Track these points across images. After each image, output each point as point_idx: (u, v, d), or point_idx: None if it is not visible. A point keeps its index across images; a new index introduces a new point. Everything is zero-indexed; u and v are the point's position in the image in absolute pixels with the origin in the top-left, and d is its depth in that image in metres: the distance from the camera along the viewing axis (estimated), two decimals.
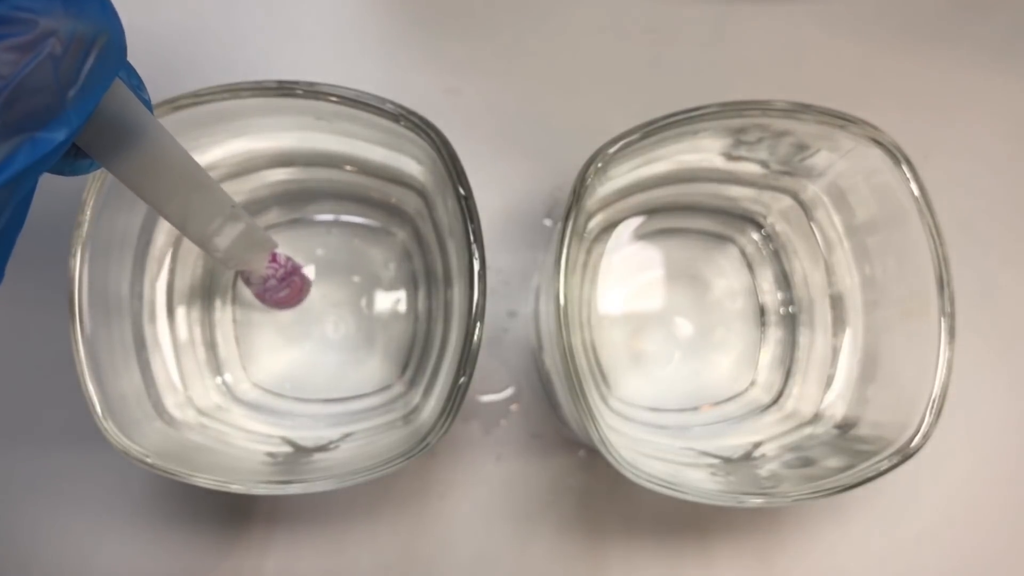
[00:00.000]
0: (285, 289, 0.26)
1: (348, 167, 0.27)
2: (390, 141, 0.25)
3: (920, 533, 0.29)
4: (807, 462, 0.25)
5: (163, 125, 0.18)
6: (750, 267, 0.29)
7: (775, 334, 0.29)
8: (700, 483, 0.24)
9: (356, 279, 0.29)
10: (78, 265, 0.23)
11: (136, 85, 0.17)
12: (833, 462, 0.24)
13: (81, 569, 0.28)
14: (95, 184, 0.23)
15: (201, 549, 0.28)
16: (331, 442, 0.26)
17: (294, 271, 0.26)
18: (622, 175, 0.26)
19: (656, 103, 0.25)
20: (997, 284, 0.30)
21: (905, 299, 0.25)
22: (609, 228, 0.29)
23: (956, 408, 0.26)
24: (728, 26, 0.31)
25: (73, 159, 0.17)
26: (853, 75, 0.31)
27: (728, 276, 0.29)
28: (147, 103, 0.17)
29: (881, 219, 0.25)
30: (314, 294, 0.28)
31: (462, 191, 0.23)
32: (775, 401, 0.28)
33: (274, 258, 0.25)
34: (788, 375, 0.28)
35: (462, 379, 0.22)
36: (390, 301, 0.29)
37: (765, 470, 0.25)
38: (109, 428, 0.23)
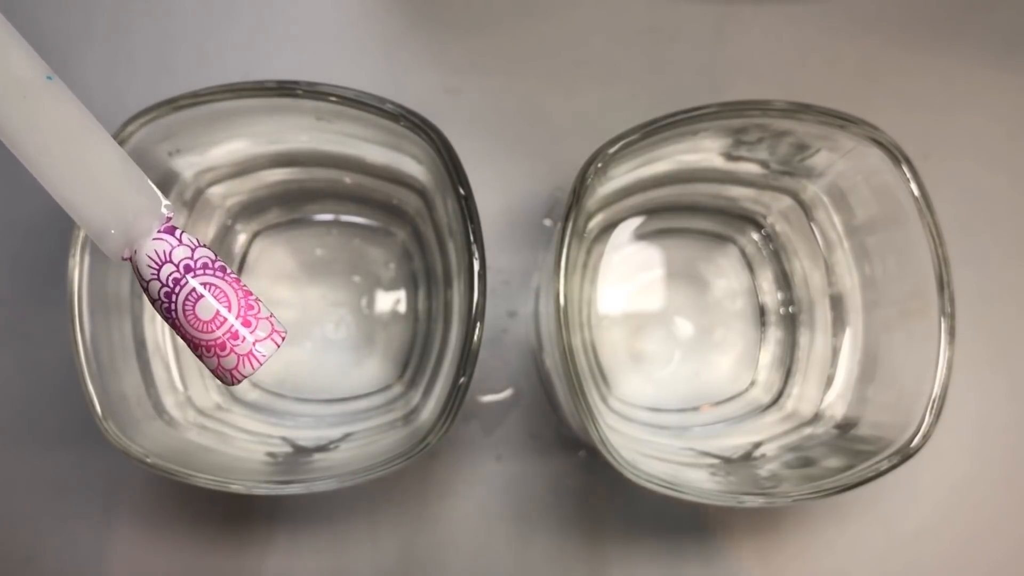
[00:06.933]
0: (208, 301, 0.15)
1: (348, 167, 0.27)
2: (390, 141, 0.25)
3: (920, 533, 0.29)
4: (807, 462, 0.25)
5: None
6: (750, 267, 0.29)
7: (775, 334, 0.29)
8: (700, 483, 0.24)
9: (356, 279, 0.29)
10: (78, 265, 0.23)
11: None
12: (833, 462, 0.24)
13: (81, 569, 0.28)
14: None
15: (201, 549, 0.28)
16: (331, 442, 0.26)
17: (221, 274, 0.16)
18: (622, 175, 0.26)
19: (656, 103, 0.25)
20: (997, 284, 0.30)
21: (905, 299, 0.25)
22: (609, 228, 0.29)
23: (956, 408, 0.26)
24: (728, 26, 0.31)
25: None
26: (853, 75, 0.31)
27: (728, 276, 0.29)
28: None
29: (881, 219, 0.25)
30: (314, 294, 0.28)
31: (462, 191, 0.23)
32: (775, 401, 0.28)
33: (170, 229, 0.16)
34: (788, 375, 0.28)
35: (462, 379, 0.22)
36: (390, 301, 0.29)
37: (765, 470, 0.25)
38: (109, 428, 0.23)
